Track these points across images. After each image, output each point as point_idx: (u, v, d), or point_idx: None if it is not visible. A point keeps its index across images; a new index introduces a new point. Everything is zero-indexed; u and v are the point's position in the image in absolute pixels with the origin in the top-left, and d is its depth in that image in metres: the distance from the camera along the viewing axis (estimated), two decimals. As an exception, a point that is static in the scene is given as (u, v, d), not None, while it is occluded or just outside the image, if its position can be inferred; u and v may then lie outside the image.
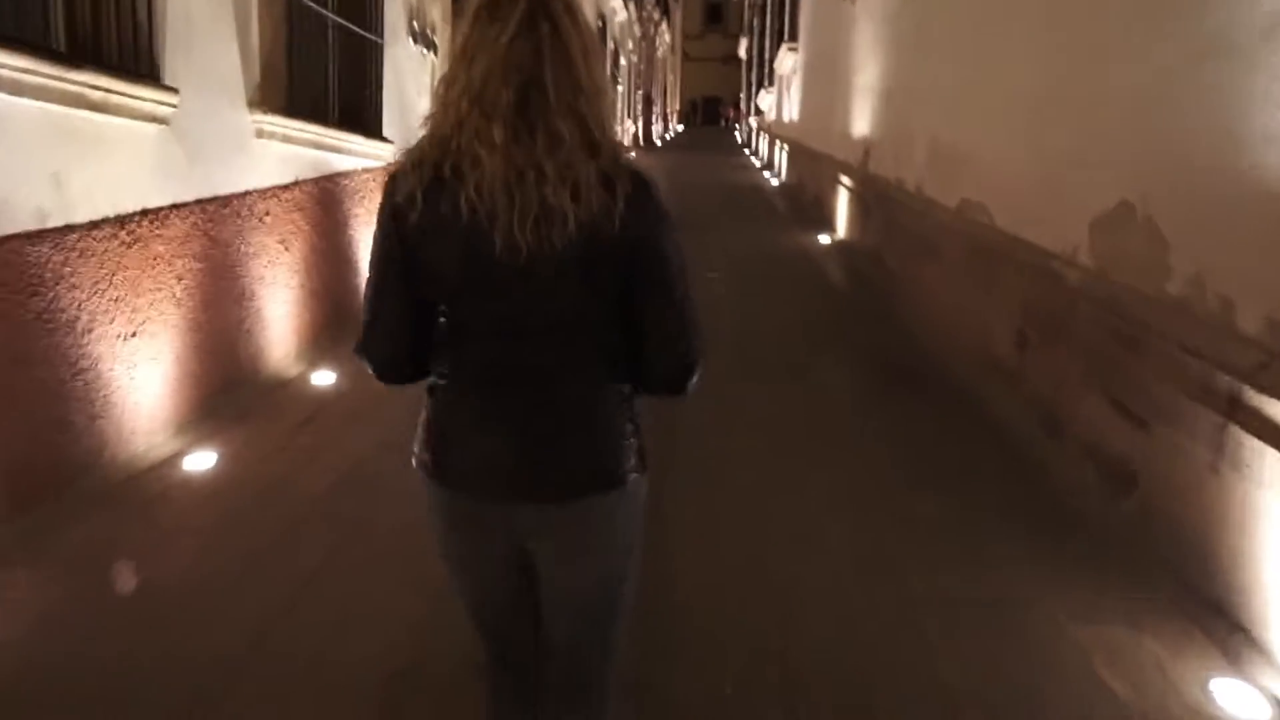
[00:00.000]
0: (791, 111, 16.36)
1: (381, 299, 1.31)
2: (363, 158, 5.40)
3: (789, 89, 16.95)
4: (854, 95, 9.52)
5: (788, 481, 3.36)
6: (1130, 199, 3.18)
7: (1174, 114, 2.99)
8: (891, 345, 5.58)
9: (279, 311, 4.45)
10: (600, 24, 18.02)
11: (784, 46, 16.04)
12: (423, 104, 6.57)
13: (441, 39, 6.81)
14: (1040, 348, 3.89)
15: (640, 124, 29.71)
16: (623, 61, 23.00)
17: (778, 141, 17.71)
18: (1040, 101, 4.17)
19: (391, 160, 5.41)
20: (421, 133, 1.26)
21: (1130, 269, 3.16)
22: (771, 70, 21.20)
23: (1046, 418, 3.67)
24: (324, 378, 4.34)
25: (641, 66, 29.06)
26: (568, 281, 1.22)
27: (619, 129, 20.61)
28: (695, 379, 1.33)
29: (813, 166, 12.27)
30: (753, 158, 24.62)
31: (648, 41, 30.48)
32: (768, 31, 22.18)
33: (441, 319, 1.30)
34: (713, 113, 52.02)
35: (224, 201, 3.88)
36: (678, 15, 44.82)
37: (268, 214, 4.29)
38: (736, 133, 38.46)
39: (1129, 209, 3.20)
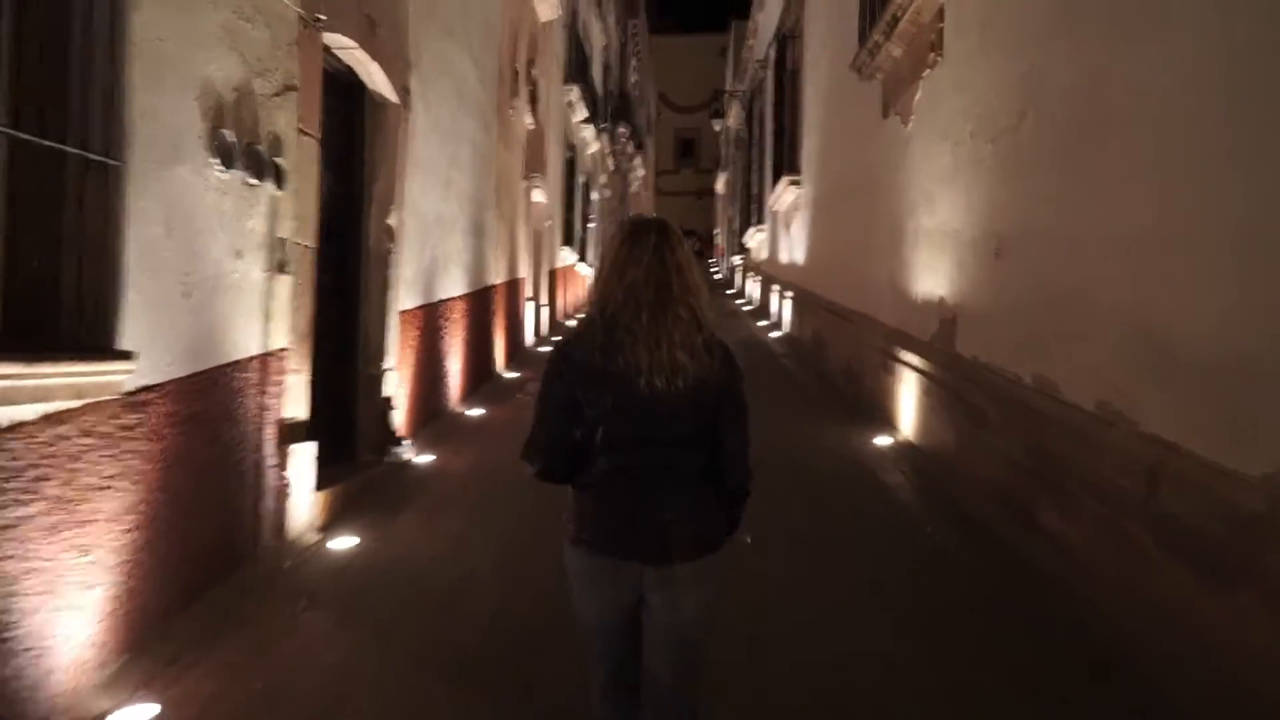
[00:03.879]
0: (794, 253, 13.94)
1: (546, 422, 2.03)
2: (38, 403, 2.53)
3: (788, 227, 14.61)
4: (914, 241, 6.93)
5: None
6: None
7: None
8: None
9: None
10: (570, 155, 15.78)
11: (783, 180, 13.76)
12: (252, 271, 3.77)
13: (297, 160, 4.09)
14: None
15: (614, 261, 27.52)
16: (594, 196, 20.83)
17: (775, 286, 15.26)
18: None
19: (135, 392, 2.83)
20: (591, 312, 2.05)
21: None
22: (760, 206, 19.06)
23: None
24: None
25: (615, 201, 27.11)
26: (683, 412, 1.96)
27: (598, 267, 18.20)
28: (751, 484, 2.12)
29: (839, 327, 9.64)
30: (741, 302, 22.23)
31: (621, 176, 28.70)
32: (753, 165, 20.20)
33: (589, 436, 2.00)
34: (684, 246, 50.43)
35: None
36: (651, 149, 43.78)
37: None
38: (714, 270, 36.60)
39: None
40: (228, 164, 3.47)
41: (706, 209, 49.25)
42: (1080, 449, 3.92)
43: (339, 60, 5.01)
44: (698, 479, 2.02)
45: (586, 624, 2.10)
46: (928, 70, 6.70)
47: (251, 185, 3.68)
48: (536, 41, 11.82)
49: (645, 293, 1.95)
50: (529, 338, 11.84)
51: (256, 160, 3.69)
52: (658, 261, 1.98)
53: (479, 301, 8.50)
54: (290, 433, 4.13)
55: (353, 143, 5.50)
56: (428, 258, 6.59)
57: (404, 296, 6.01)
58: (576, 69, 15.31)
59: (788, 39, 14.15)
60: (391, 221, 5.65)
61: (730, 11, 32.03)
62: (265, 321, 3.89)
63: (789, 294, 13.73)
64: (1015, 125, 4.95)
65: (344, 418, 5.43)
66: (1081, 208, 4.10)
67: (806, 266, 12.64)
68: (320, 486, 4.46)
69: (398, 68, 5.66)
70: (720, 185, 37.42)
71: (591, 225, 20.18)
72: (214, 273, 3.46)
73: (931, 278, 6.47)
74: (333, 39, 4.68)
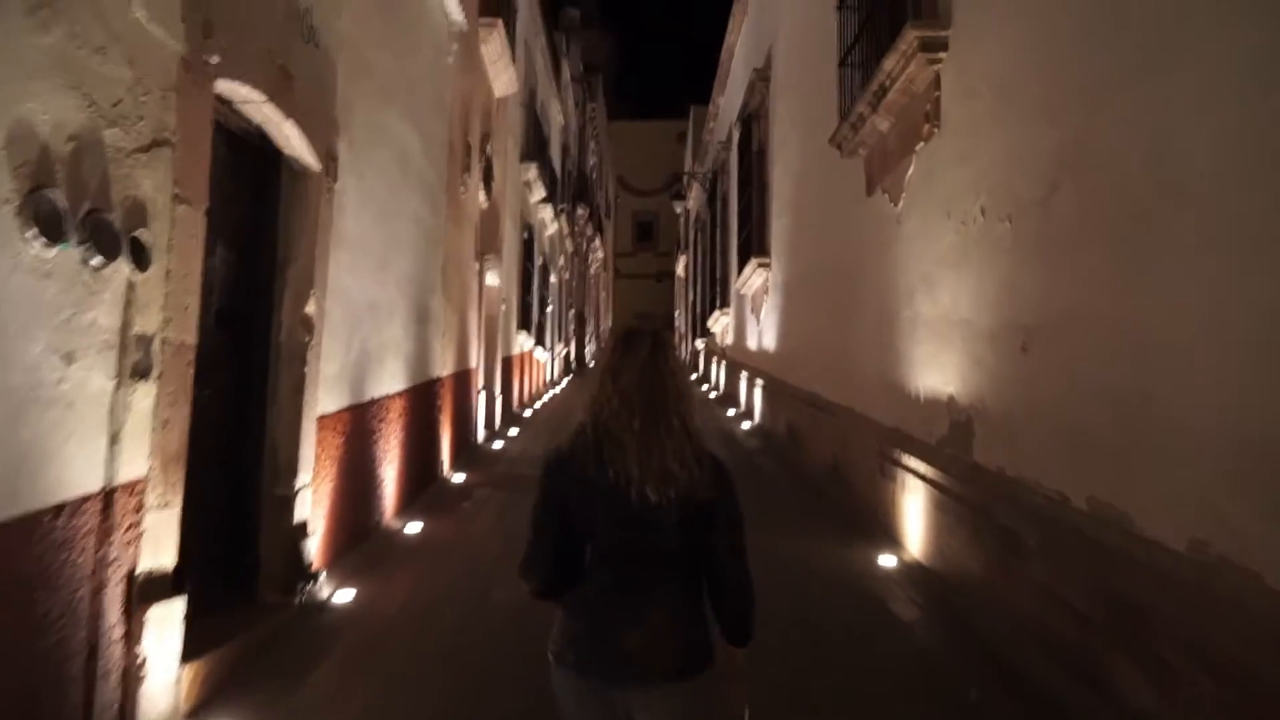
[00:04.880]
0: (764, 338, 13.22)
1: (541, 538, 1.99)
2: None
3: (757, 311, 13.93)
4: (911, 331, 6.17)
5: None
6: None
7: None
8: None
9: None
10: (527, 235, 15.06)
11: (751, 263, 13.12)
12: (91, 380, 2.81)
13: (170, 234, 3.19)
14: None
15: (573, 345, 26.70)
16: (553, 279, 20.11)
17: (743, 373, 14.49)
18: None
19: None
20: (583, 418, 2.01)
21: None
22: (725, 288, 18.46)
23: None
24: None
25: (574, 284, 26.46)
26: (673, 525, 1.90)
27: (556, 349, 17.07)
28: (753, 608, 1.99)
29: (820, 420, 8.81)
30: (707, 388, 21.46)
31: (580, 258, 28.14)
32: (717, 247, 19.69)
33: (582, 550, 1.97)
34: (642, 329, 49.74)
35: None
36: (610, 231, 43.61)
37: None
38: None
39: None
40: (53, 237, 2.56)
41: (666, 292, 48.98)
42: (1175, 604, 3.05)
43: (243, 116, 4.16)
44: (688, 596, 1.98)
45: None
46: (921, 143, 6.05)
47: (94, 266, 2.76)
48: (492, 117, 11.17)
49: (637, 399, 1.96)
50: (480, 433, 10.84)
51: (103, 233, 2.78)
52: (651, 368, 1.99)
53: (422, 397, 7.54)
54: (147, 590, 3.11)
55: (263, 215, 4.61)
56: (356, 350, 5.65)
57: (325, 397, 5.05)
58: (535, 147, 14.71)
59: (753, 119, 13.72)
60: (310, 309, 4.74)
61: (688, 98, 32.25)
62: (112, 445, 2.91)
63: (759, 381, 12.95)
64: (1044, 198, 4.23)
65: (241, 552, 4.40)
66: (1146, 292, 3.34)
67: (779, 353, 11.88)
68: (194, 654, 3.42)
69: (321, 130, 4.83)
70: (680, 268, 37.10)
71: (550, 309, 19.39)
72: (24, 384, 2.50)
73: (936, 373, 5.68)
74: (232, 89, 3.83)
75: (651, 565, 1.94)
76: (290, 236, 4.69)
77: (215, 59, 3.49)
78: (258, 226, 4.57)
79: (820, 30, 8.98)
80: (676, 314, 42.78)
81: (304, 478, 4.73)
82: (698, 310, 25.11)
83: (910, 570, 5.59)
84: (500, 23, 10.19)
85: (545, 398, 18.08)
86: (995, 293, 4.79)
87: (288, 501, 4.61)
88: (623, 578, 1.95)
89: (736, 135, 15.93)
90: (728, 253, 18.12)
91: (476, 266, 10.40)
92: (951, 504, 5.16)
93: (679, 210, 33.42)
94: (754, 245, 13.27)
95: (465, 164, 9.37)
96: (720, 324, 18.17)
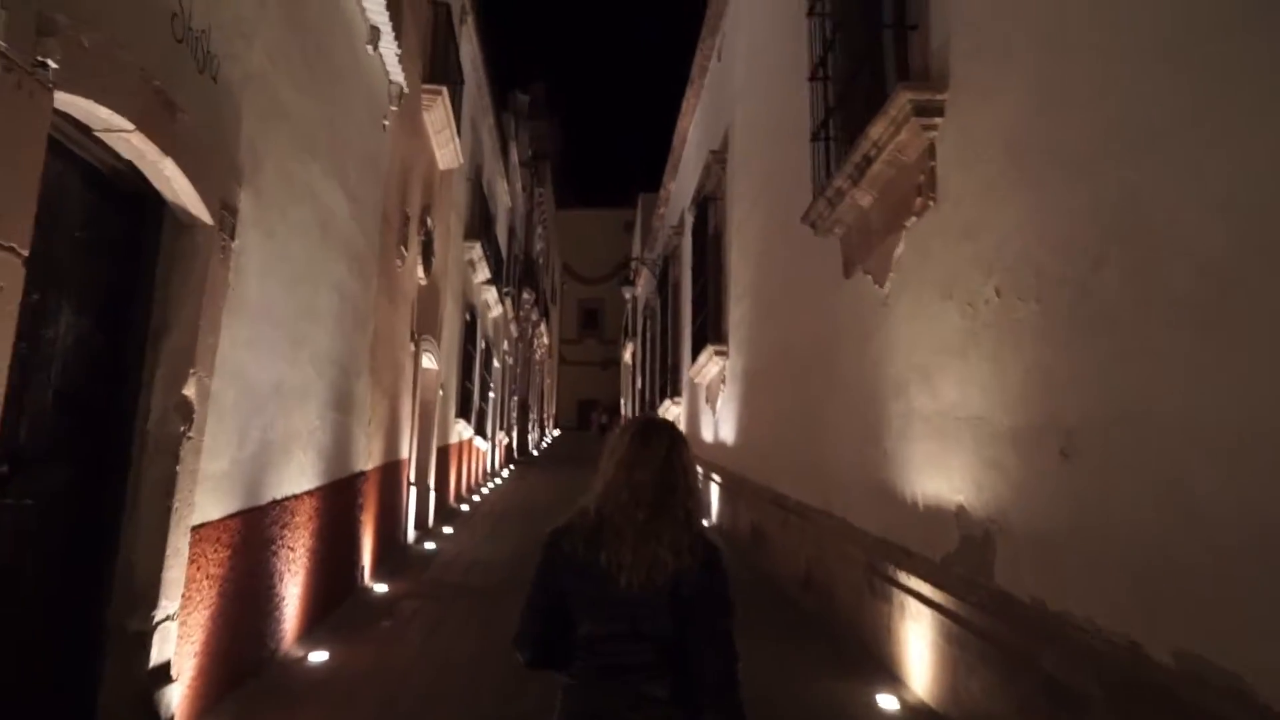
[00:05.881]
0: (720, 431, 12.43)
1: (531, 613, 2.06)
2: None
3: (712, 402, 13.17)
4: (903, 429, 5.43)
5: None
6: None
7: None
8: None
9: None
10: (470, 317, 14.20)
11: (706, 350, 12.42)
12: None
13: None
14: None
15: (515, 433, 25.61)
16: (495, 364, 19.18)
17: (698, 467, 13.60)
18: None
19: None
20: (588, 503, 2.10)
21: None
22: (676, 377, 17.73)
23: None
24: None
25: (518, 369, 25.54)
26: (662, 608, 1.94)
27: (498, 437, 16.00)
28: (740, 685, 1.95)
29: (788, 524, 7.96)
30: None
31: (525, 343, 27.31)
32: (668, 333, 19.06)
33: (575, 628, 2.02)
34: (584, 417, 48.42)
35: None
36: (555, 317, 43.01)
37: None
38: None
39: None
40: None
41: (611, 379, 48.30)
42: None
43: (106, 148, 3.29)
44: (676, 681, 1.97)
45: None
46: (912, 219, 5.43)
47: None
48: (434, 189, 10.43)
49: (649, 495, 2.03)
50: (410, 533, 9.74)
51: None
52: (667, 466, 2.05)
53: (339, 495, 6.52)
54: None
55: (134, 275, 3.70)
56: (255, 442, 4.68)
57: (207, 501, 4.06)
58: (480, 225, 14.01)
59: (709, 201, 13.24)
60: (189, 391, 3.79)
61: (636, 189, 32.18)
62: None
63: (715, 477, 12.10)
64: (1086, 273, 3.55)
65: (72, 714, 3.33)
66: (1244, 381, 2.62)
67: (739, 447, 11.08)
68: None
69: (216, 176, 3.98)
70: (627, 355, 36.48)
71: (492, 395, 18.41)
72: None
73: (940, 477, 4.91)
74: (86, 110, 2.97)
75: (644, 647, 1.97)
76: (168, 301, 3.77)
77: (53, 63, 2.64)
78: (126, 289, 3.65)
79: (788, 105, 8.50)
80: (622, 402, 41.97)
81: (168, 606, 3.70)
82: (646, 398, 24.32)
83: (917, 714, 4.69)
84: (445, 90, 9.55)
85: (485, 489, 16.94)
86: (1019, 386, 4.06)
87: (143, 639, 3.57)
88: (616, 659, 1.98)
89: (690, 219, 15.47)
90: (679, 340, 17.47)
91: (412, 348, 9.49)
92: (971, 639, 4.32)
93: (627, 296, 32.92)
94: (710, 332, 12.60)
95: (403, 235, 8.55)
96: (672, 413, 17.38)
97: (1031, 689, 3.73)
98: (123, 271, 3.62)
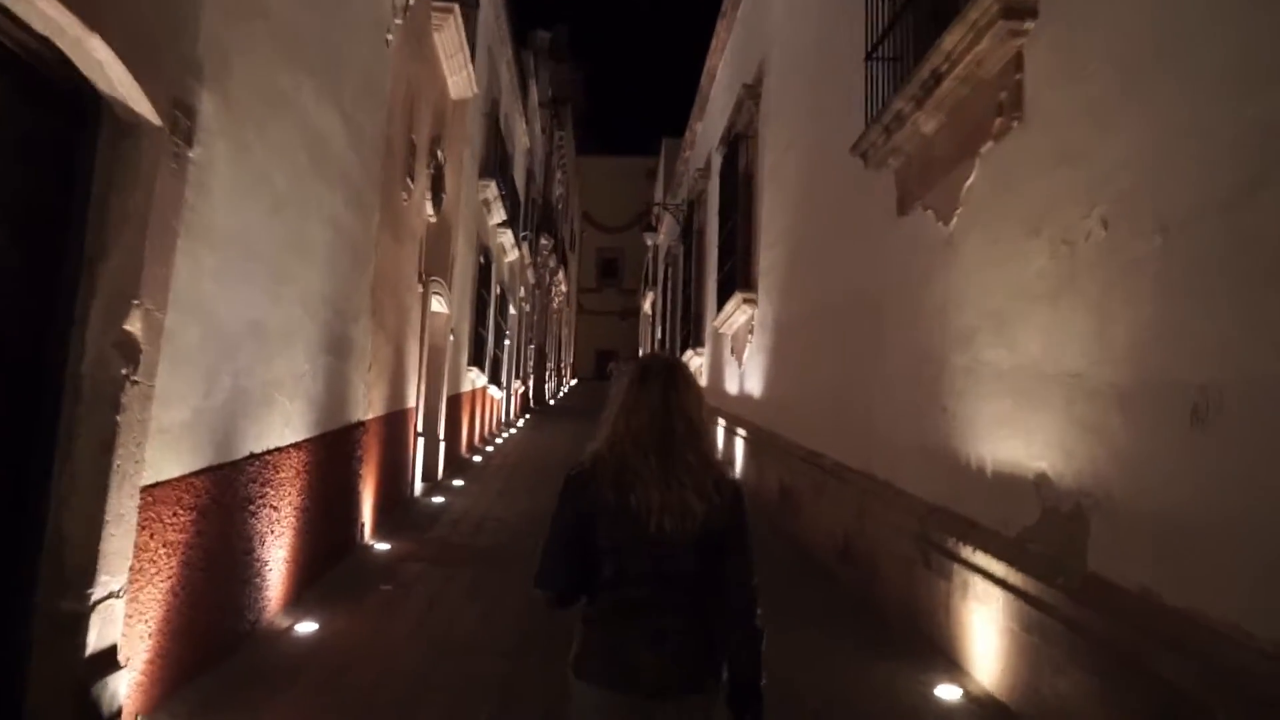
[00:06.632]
0: (747, 383, 11.77)
1: (555, 552, 2.05)
2: None
3: (738, 353, 12.50)
4: (970, 385, 4.75)
5: None
6: None
7: None
8: None
9: None
10: (484, 260, 13.52)
11: (734, 298, 11.70)
12: None
13: None
14: None
15: (531, 382, 25.07)
16: (511, 310, 18.55)
17: (721, 420, 13.01)
18: None
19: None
20: (598, 448, 2.07)
21: None
22: (699, 327, 17.04)
23: None
24: None
25: (535, 317, 24.91)
26: (689, 549, 1.98)
27: (514, 386, 15.43)
28: (760, 615, 2.02)
29: (824, 485, 7.32)
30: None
31: (542, 290, 26.63)
32: (691, 282, 18.32)
33: (599, 567, 2.03)
34: (602, 367, 47.54)
35: None
36: (574, 265, 42.24)
37: None
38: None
39: None
40: None
41: (630, 329, 47.58)
42: None
43: (15, 20, 2.61)
44: (701, 612, 2.03)
45: None
46: (989, 143, 4.68)
47: None
48: (445, 119, 9.68)
49: (649, 441, 2.03)
50: (417, 485, 9.19)
51: None
52: (663, 409, 2.05)
53: (334, 448, 5.92)
54: None
55: (62, 186, 3.04)
56: (226, 389, 4.06)
57: (163, 456, 3.46)
58: (495, 164, 13.25)
59: (740, 140, 12.40)
60: (134, 327, 3.16)
61: (659, 134, 31.07)
62: None
63: (740, 431, 11.47)
64: (1239, 198, 2.83)
65: (-20, 710, 2.77)
66: None
67: (767, 401, 10.42)
68: None
69: (165, 69, 3.29)
70: (647, 305, 35.75)
71: (507, 342, 17.81)
72: None
73: (1016, 441, 4.24)
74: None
75: (668, 585, 2.01)
76: (107, 217, 3.12)
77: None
78: (54, 203, 3.00)
79: (837, 25, 7.67)
80: (640, 352, 41.36)
81: (111, 581, 3.11)
82: (666, 349, 23.67)
83: (985, 709, 4.08)
84: (456, 9, 8.75)
85: (500, 439, 16.42)
86: (1133, 337, 3.36)
87: (78, 622, 2.99)
88: (641, 596, 2.01)
89: (718, 160, 14.62)
90: (704, 289, 16.73)
91: (420, 290, 8.84)
92: (1058, 630, 3.67)
93: (649, 243, 32.05)
94: (738, 279, 11.86)
95: (409, 166, 7.85)
96: (694, 365, 16.72)
97: (1140, 697, 3.09)
98: (51, 181, 2.97)
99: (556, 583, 2.05)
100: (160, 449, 3.43)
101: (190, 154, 3.50)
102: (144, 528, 3.34)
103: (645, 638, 1.99)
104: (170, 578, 3.59)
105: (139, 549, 3.31)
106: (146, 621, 3.41)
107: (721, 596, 2.01)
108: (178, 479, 3.60)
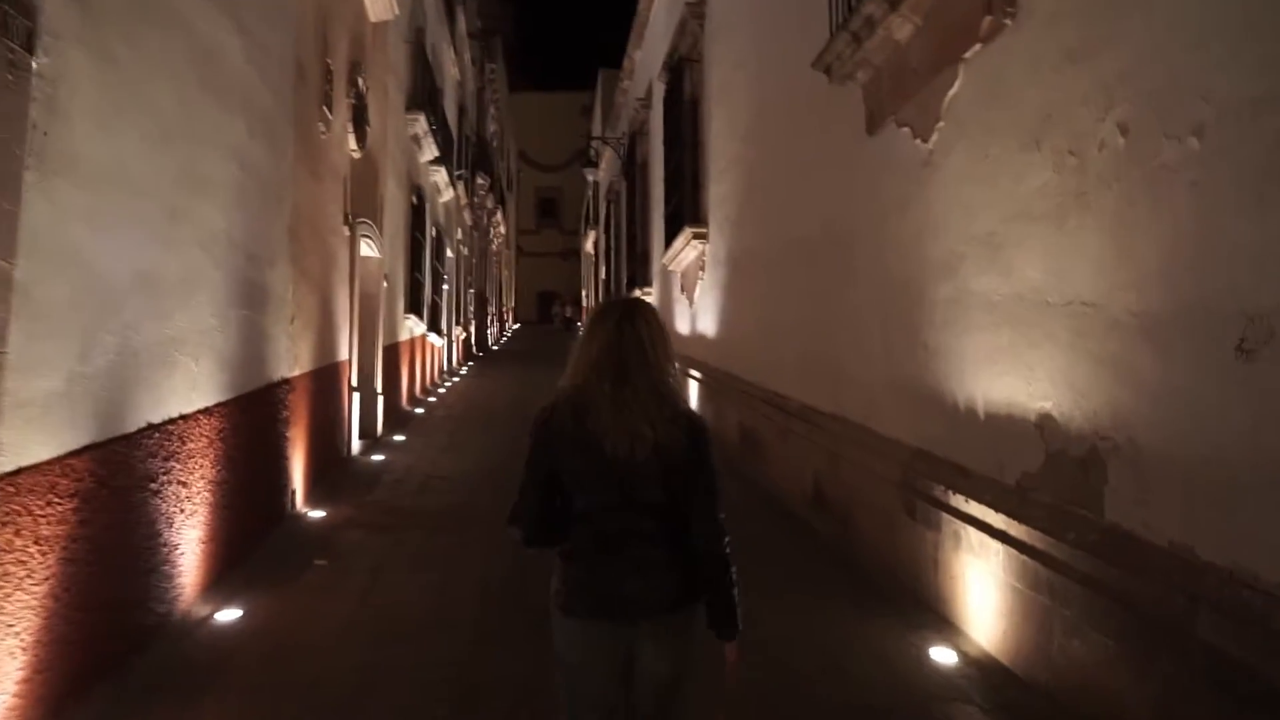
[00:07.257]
0: (699, 322, 11.32)
1: (529, 489, 2.08)
2: None
3: (688, 291, 12.01)
4: (955, 316, 4.35)
5: None
6: None
7: None
8: None
9: None
10: (417, 201, 12.71)
11: (684, 233, 11.16)
12: None
13: None
14: None
15: (473, 328, 24.32)
16: (449, 254, 17.73)
17: (672, 361, 12.53)
18: None
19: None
20: (564, 384, 2.12)
21: None
22: (646, 264, 16.49)
23: None
24: None
25: (474, 260, 24.04)
26: (651, 479, 2.03)
27: (455, 333, 14.76)
28: (727, 541, 2.07)
29: (790, 428, 6.94)
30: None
31: (480, 232, 25.68)
32: (635, 218, 17.68)
33: (569, 502, 2.08)
34: (545, 310, 46.52)
35: None
36: (512, 206, 41.08)
37: None
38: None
39: None
40: None
41: (572, 270, 46.72)
42: None
43: None
44: (672, 540, 2.07)
45: (579, 681, 2.13)
46: (976, 46, 4.20)
47: None
48: (365, 43, 8.84)
49: (606, 365, 2.07)
50: (355, 444, 8.59)
51: None
52: (618, 337, 2.09)
53: (254, 410, 5.31)
54: None
55: None
56: (109, 351, 3.43)
57: (27, 436, 2.86)
58: (424, 95, 12.36)
59: (684, 64, 11.72)
60: (-29, 283, 2.52)
61: (594, 68, 29.93)
62: None
63: (695, 374, 11.04)
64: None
65: None
66: None
67: (722, 341, 9.99)
68: None
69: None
70: (589, 244, 34.97)
71: (446, 287, 17.05)
72: None
73: (1013, 379, 3.85)
74: None
75: (641, 516, 2.05)
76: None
77: None
78: None
79: (789, -71, 7.04)
80: (584, 294, 40.58)
81: (-36, 595, 2.53)
82: (611, 289, 23.10)
83: (987, 674, 3.74)
84: (373, -83, 7.88)
85: (442, 389, 15.79)
86: (1164, 257, 2.95)
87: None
88: (615, 529, 2.05)
89: (661, 88, 13.92)
90: (649, 225, 16.14)
91: (346, 232, 8.12)
92: (1071, 588, 3.32)
93: (590, 179, 31.11)
94: (686, 213, 11.30)
95: (325, 94, 7.08)
96: (640, 305, 16.18)
97: (1181, 666, 2.75)
98: None
99: (529, 516, 2.08)
100: (22, 428, 2.82)
101: (34, 62, 2.82)
102: (6, 524, 2.75)
103: (623, 568, 2.05)
104: (48, 579, 3.01)
105: (1, 550, 2.73)
106: (18, 634, 2.84)
107: (689, 529, 2.07)
108: (49, 462, 3.00)
